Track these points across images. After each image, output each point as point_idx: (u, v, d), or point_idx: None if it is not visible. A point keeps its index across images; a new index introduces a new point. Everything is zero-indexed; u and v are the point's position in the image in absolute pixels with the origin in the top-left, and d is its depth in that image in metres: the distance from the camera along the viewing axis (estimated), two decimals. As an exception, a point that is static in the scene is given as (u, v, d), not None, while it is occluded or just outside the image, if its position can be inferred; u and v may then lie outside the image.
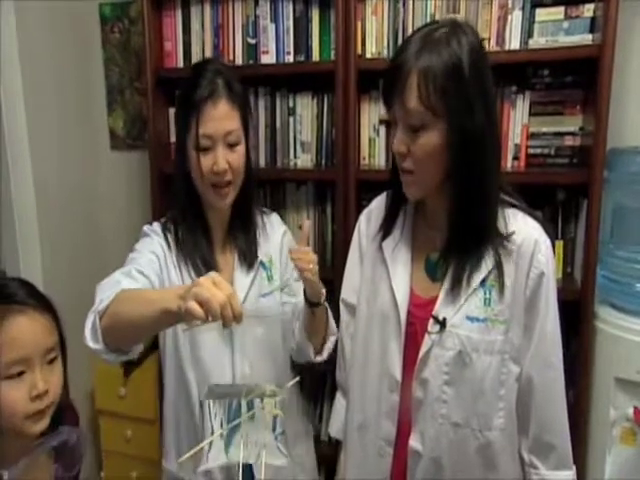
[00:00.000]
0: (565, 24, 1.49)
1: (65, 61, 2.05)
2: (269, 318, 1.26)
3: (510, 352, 0.99)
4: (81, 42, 2.12)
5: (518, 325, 0.99)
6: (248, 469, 1.09)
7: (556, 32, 1.50)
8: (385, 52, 1.64)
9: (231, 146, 1.15)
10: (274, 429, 0.89)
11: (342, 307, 1.25)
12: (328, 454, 1.57)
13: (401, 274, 1.06)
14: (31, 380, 0.88)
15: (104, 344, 0.93)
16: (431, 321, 1.00)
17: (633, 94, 1.64)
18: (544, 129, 1.60)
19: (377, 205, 1.17)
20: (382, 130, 1.73)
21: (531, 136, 1.61)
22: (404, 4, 1.61)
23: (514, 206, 1.01)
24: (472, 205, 0.95)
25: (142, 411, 1.99)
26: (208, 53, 1.80)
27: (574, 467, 1.05)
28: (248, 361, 1.20)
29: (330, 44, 1.68)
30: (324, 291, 1.19)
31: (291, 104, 1.78)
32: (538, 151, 1.61)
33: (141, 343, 1.01)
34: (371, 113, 1.73)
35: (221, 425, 0.88)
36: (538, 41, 1.51)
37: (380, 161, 1.75)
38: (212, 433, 0.88)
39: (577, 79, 1.57)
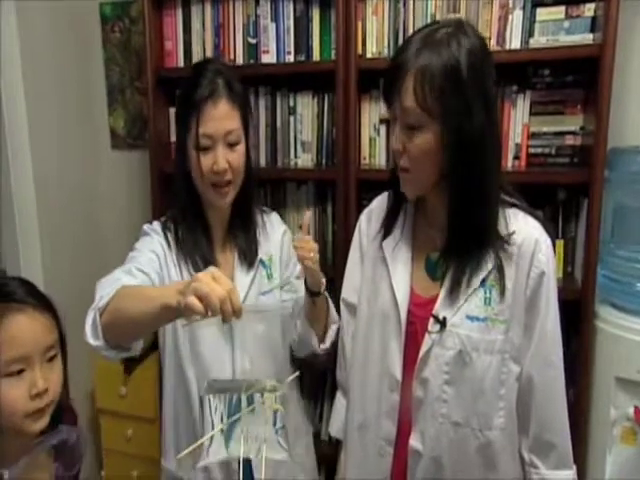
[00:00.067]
0: (566, 23, 1.49)
1: (66, 60, 2.06)
2: (269, 313, 1.26)
3: (510, 352, 0.99)
4: (82, 42, 2.12)
5: (518, 324, 0.99)
6: (248, 468, 1.10)
7: (557, 31, 1.50)
8: (385, 52, 1.64)
9: (231, 146, 1.15)
10: (274, 423, 0.90)
11: (343, 307, 1.25)
12: (328, 454, 1.57)
13: (401, 273, 1.06)
14: (31, 378, 0.88)
15: (104, 341, 0.94)
16: (431, 320, 1.00)
17: (634, 93, 1.64)
18: (545, 128, 1.60)
19: (378, 205, 1.18)
20: (382, 130, 1.72)
21: (532, 136, 1.61)
22: (404, 4, 1.61)
23: (514, 206, 1.01)
24: (470, 205, 0.95)
25: (143, 410, 1.99)
26: (209, 53, 1.80)
27: (574, 466, 1.05)
28: (248, 357, 1.21)
29: (331, 44, 1.68)
30: (324, 280, 1.20)
31: (292, 104, 1.78)
32: (539, 150, 1.61)
33: (141, 339, 1.02)
34: (372, 113, 1.73)
35: (221, 420, 0.88)
36: (539, 40, 1.51)
37: (380, 161, 1.75)
38: (212, 428, 0.88)
39: (578, 78, 1.56)
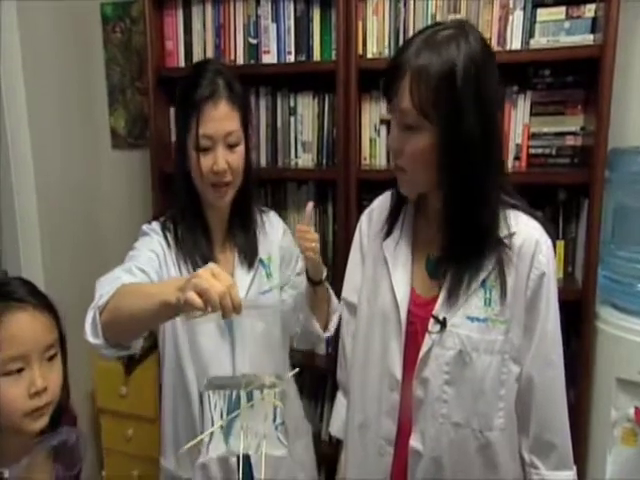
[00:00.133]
0: (566, 24, 1.49)
1: (67, 61, 2.06)
2: (269, 310, 1.27)
3: (510, 352, 0.99)
4: (83, 42, 2.13)
5: (518, 325, 0.99)
6: (247, 466, 1.10)
7: (557, 32, 1.50)
8: (386, 52, 1.64)
9: (231, 147, 1.15)
10: (274, 419, 0.90)
11: (343, 306, 1.25)
12: (328, 453, 1.57)
13: (402, 274, 1.06)
14: (30, 377, 0.88)
15: (104, 339, 0.94)
16: (431, 321, 1.00)
17: (635, 94, 1.64)
18: (545, 129, 1.60)
19: (378, 204, 1.18)
20: (383, 130, 1.73)
21: (532, 136, 1.61)
22: (405, 4, 1.61)
23: (514, 206, 1.01)
24: (467, 206, 0.94)
25: (143, 410, 1.99)
26: (209, 53, 1.80)
27: (575, 467, 1.05)
28: (248, 354, 1.21)
29: (331, 44, 1.68)
30: (325, 270, 1.21)
31: (292, 104, 1.79)
32: (539, 151, 1.61)
33: (141, 338, 1.02)
34: (372, 113, 1.73)
35: (221, 416, 0.88)
36: (539, 41, 1.51)
37: (381, 161, 1.75)
38: (212, 424, 0.88)
39: (578, 79, 1.57)
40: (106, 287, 0.97)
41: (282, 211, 1.83)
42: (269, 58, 1.74)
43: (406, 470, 1.05)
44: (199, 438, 0.87)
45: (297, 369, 0.99)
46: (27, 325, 0.89)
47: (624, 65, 1.56)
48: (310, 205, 1.19)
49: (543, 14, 1.51)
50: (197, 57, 1.81)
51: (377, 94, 1.70)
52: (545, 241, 0.98)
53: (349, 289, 1.23)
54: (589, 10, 1.47)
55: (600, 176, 1.44)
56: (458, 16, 1.56)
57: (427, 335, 1.00)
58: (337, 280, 1.32)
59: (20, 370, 0.88)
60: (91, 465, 2.14)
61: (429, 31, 0.92)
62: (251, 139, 1.24)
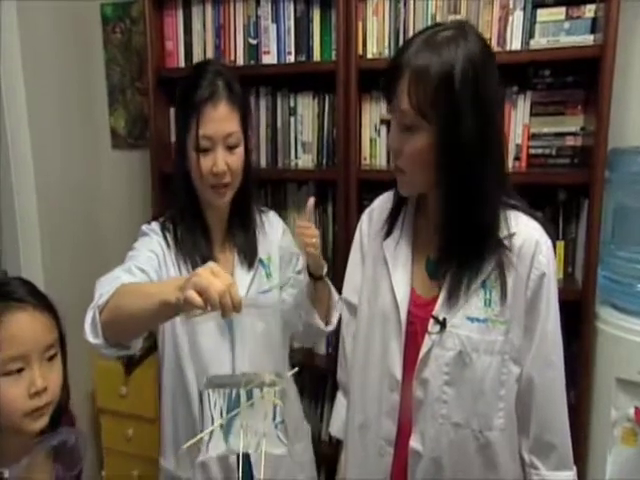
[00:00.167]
0: (566, 24, 1.49)
1: (67, 61, 2.06)
2: (269, 309, 1.27)
3: (510, 353, 0.99)
4: (83, 42, 2.13)
5: (518, 326, 0.99)
6: (247, 466, 1.10)
7: (557, 32, 1.50)
8: (386, 52, 1.64)
9: (230, 148, 1.15)
10: (274, 418, 0.90)
11: (343, 307, 1.25)
12: (328, 454, 1.57)
13: (402, 274, 1.06)
14: (30, 377, 0.88)
15: (104, 339, 0.94)
16: (431, 321, 1.00)
17: (635, 94, 1.64)
18: (545, 129, 1.60)
19: (379, 204, 1.18)
20: (383, 130, 1.73)
21: (532, 136, 1.61)
22: (405, 4, 1.61)
23: (514, 207, 1.01)
24: (465, 207, 0.94)
25: (143, 410, 1.99)
26: (209, 53, 1.80)
27: (575, 467, 1.05)
28: (248, 353, 1.21)
29: (331, 44, 1.68)
30: (325, 265, 1.22)
31: (292, 104, 1.79)
32: (539, 151, 1.61)
33: (141, 338, 1.01)
34: (372, 113, 1.73)
35: (221, 415, 0.88)
36: (539, 41, 1.51)
37: (381, 161, 1.75)
38: (212, 423, 0.88)
39: (578, 79, 1.56)
40: (106, 287, 0.97)
41: (282, 211, 1.83)
42: (269, 58, 1.74)
43: (406, 470, 1.05)
44: (199, 436, 0.87)
45: (296, 368, 0.99)
46: (27, 325, 0.89)
47: (624, 65, 1.56)
48: (311, 201, 1.18)
49: (543, 14, 1.51)
50: (197, 57, 1.81)
51: (377, 94, 1.70)
52: (545, 242, 0.98)
53: (349, 289, 1.23)
54: (589, 10, 1.47)
55: (600, 176, 1.44)
56: (458, 17, 1.56)
57: (427, 336, 1.00)
58: (337, 280, 1.32)
59: (20, 370, 0.88)
60: (91, 465, 2.14)
61: (429, 32, 0.92)
62: (251, 140, 1.24)
